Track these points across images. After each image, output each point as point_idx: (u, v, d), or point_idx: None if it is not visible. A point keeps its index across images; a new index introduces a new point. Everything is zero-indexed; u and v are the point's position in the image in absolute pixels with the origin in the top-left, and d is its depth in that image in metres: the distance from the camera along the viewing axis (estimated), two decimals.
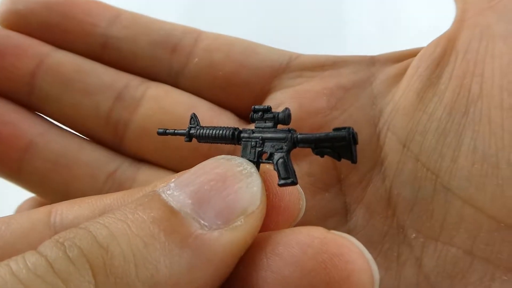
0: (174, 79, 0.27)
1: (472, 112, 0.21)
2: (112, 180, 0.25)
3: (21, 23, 0.26)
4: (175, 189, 0.16)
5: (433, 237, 0.21)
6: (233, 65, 0.26)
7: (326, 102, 0.25)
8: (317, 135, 0.17)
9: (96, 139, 0.27)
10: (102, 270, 0.13)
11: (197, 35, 0.27)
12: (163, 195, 0.15)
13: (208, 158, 0.24)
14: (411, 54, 0.25)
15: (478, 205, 0.20)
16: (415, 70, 0.23)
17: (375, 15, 0.67)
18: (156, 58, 0.27)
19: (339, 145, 0.17)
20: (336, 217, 0.24)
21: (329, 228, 0.23)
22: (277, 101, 0.26)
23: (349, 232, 0.23)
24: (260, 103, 0.26)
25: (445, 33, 0.23)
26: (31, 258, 0.13)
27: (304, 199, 0.19)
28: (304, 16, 0.68)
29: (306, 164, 0.24)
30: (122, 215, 0.14)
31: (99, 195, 0.20)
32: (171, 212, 0.15)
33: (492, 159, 0.20)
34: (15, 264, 0.12)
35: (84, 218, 0.19)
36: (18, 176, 0.25)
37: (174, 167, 0.26)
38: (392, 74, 0.25)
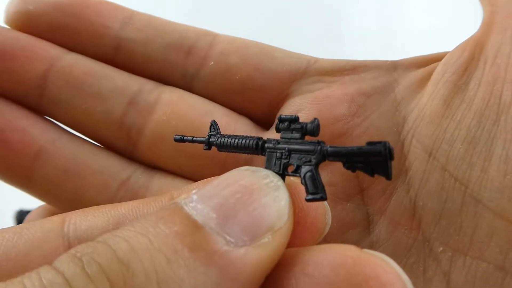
0: (188, 83, 0.26)
1: (503, 120, 0.20)
2: (125, 188, 0.24)
3: (31, 24, 0.26)
4: (198, 202, 0.15)
5: (462, 251, 0.20)
6: (249, 69, 0.25)
7: (347, 109, 0.24)
8: (350, 149, 0.16)
9: (108, 146, 0.26)
10: None
11: (213, 38, 0.26)
12: (186, 208, 0.14)
13: (225, 167, 0.23)
14: (436, 58, 0.24)
15: (511, 218, 0.19)
16: (441, 76, 0.22)
17: (375, 15, 0.66)
18: (170, 61, 0.26)
19: (374, 160, 0.16)
20: (358, 229, 0.23)
21: (351, 240, 0.23)
22: (296, 107, 0.25)
23: (371, 244, 0.22)
24: (278, 109, 0.26)
25: (472, 36, 0.22)
26: (46, 274, 0.12)
27: (330, 214, 0.18)
28: (304, 16, 0.67)
29: (327, 173, 0.23)
30: (143, 228, 0.13)
31: (113, 204, 0.19)
32: (195, 227, 0.14)
33: None
34: (30, 281, 0.12)
35: (98, 228, 0.18)
36: (28, 184, 0.24)
37: (189, 175, 0.25)
38: (416, 80, 0.24)
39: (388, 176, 0.16)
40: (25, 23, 0.26)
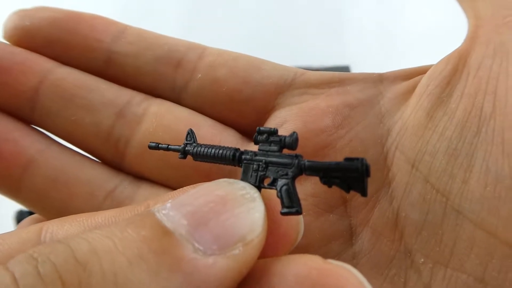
0: (177, 95, 0.27)
1: (484, 132, 0.20)
2: (111, 198, 0.25)
3: (27, 39, 0.26)
4: (171, 209, 0.15)
5: (443, 263, 0.20)
6: (237, 81, 0.26)
7: (331, 121, 0.24)
8: (327, 164, 0.16)
9: (97, 156, 0.26)
10: None
11: (202, 50, 0.27)
12: (157, 214, 0.15)
13: (210, 178, 0.23)
14: (421, 71, 0.24)
15: (491, 230, 0.19)
16: (425, 88, 0.22)
17: (375, 15, 0.66)
18: (160, 74, 0.27)
19: (350, 176, 0.16)
20: (341, 240, 0.23)
21: (334, 251, 0.23)
22: (281, 119, 0.25)
23: (354, 255, 0.22)
24: (264, 121, 0.26)
25: (456, 50, 0.22)
26: None
27: (303, 223, 0.18)
28: (304, 16, 0.67)
29: (310, 184, 0.23)
30: (109, 232, 0.14)
31: (92, 213, 0.19)
32: (164, 232, 0.14)
33: (506, 181, 0.19)
34: None
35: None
36: (18, 193, 0.25)
37: (175, 186, 0.25)
38: (400, 92, 0.24)
39: (363, 193, 0.16)
40: (22, 38, 0.26)
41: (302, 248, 0.23)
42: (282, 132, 0.24)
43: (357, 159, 0.16)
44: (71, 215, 0.19)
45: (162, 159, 0.24)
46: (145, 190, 0.25)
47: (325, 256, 0.22)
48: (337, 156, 0.23)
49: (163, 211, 0.15)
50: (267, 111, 0.26)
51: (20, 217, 0.71)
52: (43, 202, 0.25)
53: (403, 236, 0.21)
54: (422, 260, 0.20)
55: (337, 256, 0.23)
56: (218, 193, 0.15)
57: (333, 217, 0.23)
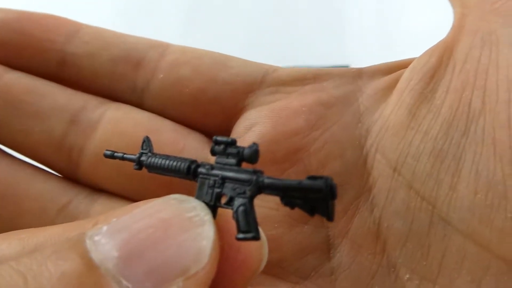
0: (138, 98, 0.24)
1: (473, 131, 0.17)
2: (64, 214, 0.22)
3: None
4: (105, 235, 0.13)
5: (430, 279, 0.18)
6: (202, 81, 0.23)
7: (304, 121, 0.22)
8: (287, 183, 0.14)
9: (50, 167, 0.24)
10: None
11: (164, 49, 0.25)
12: (88, 242, 0.12)
13: (171, 188, 0.21)
14: (403, 65, 0.22)
15: (483, 242, 0.17)
16: (407, 83, 0.20)
17: (375, 15, 0.65)
18: (118, 75, 0.24)
19: (313, 197, 0.13)
20: (317, 253, 0.20)
21: (310, 266, 0.20)
22: (251, 121, 0.23)
23: (332, 270, 0.20)
24: (233, 123, 0.24)
25: (441, 41, 0.20)
26: None
27: (267, 247, 0.16)
28: (305, 16, 0.67)
29: None
30: (26, 265, 0.12)
31: (35, 229, 0.17)
32: (88, 267, 0.12)
33: (498, 188, 0.16)
34: None
35: (11, 257, 0.16)
36: None
37: (135, 198, 0.23)
38: (380, 88, 0.22)
39: (329, 217, 0.13)
40: None
41: (274, 263, 0.21)
42: (251, 135, 0.22)
43: (321, 177, 0.13)
44: (14, 231, 0.17)
45: (118, 168, 0.22)
46: (101, 203, 0.23)
47: (299, 272, 0.20)
48: (311, 160, 0.21)
49: (96, 237, 0.13)
50: (236, 112, 0.24)
51: None
52: None
53: (385, 248, 0.19)
54: (408, 275, 0.18)
55: (313, 271, 0.20)
56: (162, 215, 0.13)
57: (308, 228, 0.21)
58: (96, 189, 0.24)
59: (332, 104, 0.22)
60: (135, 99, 0.24)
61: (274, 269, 0.20)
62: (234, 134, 0.23)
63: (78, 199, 0.23)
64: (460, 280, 0.17)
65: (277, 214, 0.21)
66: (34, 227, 0.21)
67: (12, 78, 0.24)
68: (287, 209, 0.21)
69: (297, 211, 0.21)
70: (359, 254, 0.20)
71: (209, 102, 0.23)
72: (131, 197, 0.23)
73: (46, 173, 0.24)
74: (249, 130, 0.22)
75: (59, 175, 0.24)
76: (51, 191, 0.23)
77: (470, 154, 0.17)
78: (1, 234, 0.16)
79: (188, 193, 0.22)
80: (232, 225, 0.14)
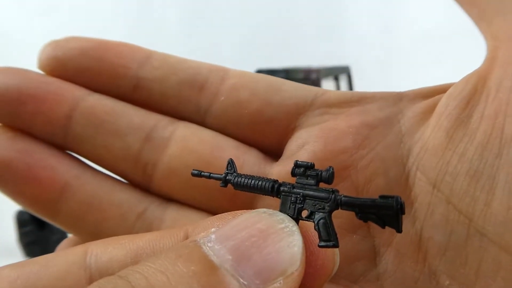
0: (202, 118, 0.28)
1: (506, 153, 0.20)
2: (141, 220, 0.26)
3: (60, 69, 0.28)
4: (216, 242, 0.16)
5: (469, 285, 0.20)
6: (259, 103, 0.26)
7: (351, 141, 0.24)
8: (363, 200, 0.17)
9: (127, 179, 0.28)
10: None
11: (224, 73, 0.28)
12: (204, 248, 0.16)
13: (233, 200, 0.24)
14: (441, 90, 0.24)
15: None
16: (444, 108, 0.22)
17: (375, 15, 0.66)
18: (184, 97, 0.28)
19: (385, 213, 0.17)
20: (364, 261, 0.23)
21: (358, 272, 0.23)
22: (302, 140, 0.25)
23: (378, 276, 0.23)
24: (286, 141, 0.26)
25: (476, 70, 0.22)
26: None
27: (338, 254, 0.18)
28: (305, 16, 0.67)
29: None
30: (162, 266, 0.15)
31: (131, 236, 0.20)
32: (212, 268, 0.15)
33: None
34: None
35: (118, 261, 0.19)
36: (55, 217, 0.26)
37: (200, 206, 0.26)
38: (420, 111, 0.24)
39: (398, 229, 0.17)
40: (55, 68, 0.28)
41: None
42: (303, 153, 0.25)
43: (392, 197, 0.16)
44: (113, 237, 0.20)
45: (187, 181, 0.25)
46: (172, 211, 0.26)
47: (349, 276, 0.23)
48: (358, 177, 0.24)
49: (209, 244, 0.16)
50: (288, 132, 0.26)
51: (21, 217, 0.73)
52: (79, 225, 0.26)
53: (427, 257, 0.21)
54: (448, 282, 0.21)
55: (361, 276, 0.23)
56: (260, 226, 0.16)
57: (356, 238, 0.23)
58: (167, 198, 0.27)
59: (376, 125, 0.24)
60: (198, 119, 0.28)
61: None
62: (287, 152, 0.26)
63: (152, 207, 0.26)
64: (496, 286, 0.19)
65: None
66: (117, 231, 0.25)
67: (95, 100, 0.27)
68: (337, 220, 0.24)
69: (346, 222, 0.24)
70: (402, 262, 0.22)
71: (265, 123, 0.26)
72: (197, 206, 0.26)
73: (123, 184, 0.27)
74: (301, 148, 0.25)
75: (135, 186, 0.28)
76: (130, 200, 0.26)
77: (503, 174, 0.19)
78: (102, 240, 0.20)
79: (250, 204, 0.25)
80: (311, 236, 0.18)
